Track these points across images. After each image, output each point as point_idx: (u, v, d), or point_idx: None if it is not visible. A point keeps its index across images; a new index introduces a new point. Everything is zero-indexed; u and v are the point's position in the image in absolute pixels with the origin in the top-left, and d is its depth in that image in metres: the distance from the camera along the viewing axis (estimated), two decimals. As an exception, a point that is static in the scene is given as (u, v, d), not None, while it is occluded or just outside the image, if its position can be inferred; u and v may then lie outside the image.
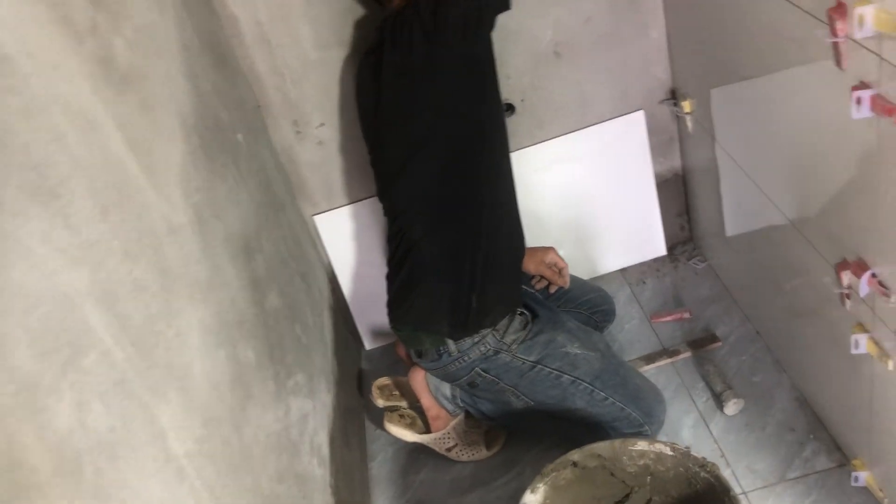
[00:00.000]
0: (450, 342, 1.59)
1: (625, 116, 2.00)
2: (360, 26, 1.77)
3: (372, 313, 2.14)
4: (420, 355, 1.65)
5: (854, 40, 1.07)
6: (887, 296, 1.19)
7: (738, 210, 1.89)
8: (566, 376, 1.60)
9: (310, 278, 1.84)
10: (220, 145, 1.42)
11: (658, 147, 2.08)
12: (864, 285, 1.23)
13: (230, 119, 1.54)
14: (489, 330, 1.60)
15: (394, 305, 1.68)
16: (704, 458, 1.23)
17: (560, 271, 1.83)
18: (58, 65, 0.89)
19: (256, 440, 1.17)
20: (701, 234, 2.20)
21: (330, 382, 1.74)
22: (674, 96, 2.00)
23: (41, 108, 0.82)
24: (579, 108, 1.98)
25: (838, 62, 1.13)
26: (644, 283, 2.16)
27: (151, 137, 1.10)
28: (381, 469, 1.86)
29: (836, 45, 1.12)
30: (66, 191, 0.81)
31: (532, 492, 1.25)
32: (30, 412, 0.65)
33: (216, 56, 1.58)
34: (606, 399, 1.59)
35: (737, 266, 2.02)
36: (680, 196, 2.19)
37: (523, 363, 1.60)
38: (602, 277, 2.20)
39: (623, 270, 2.21)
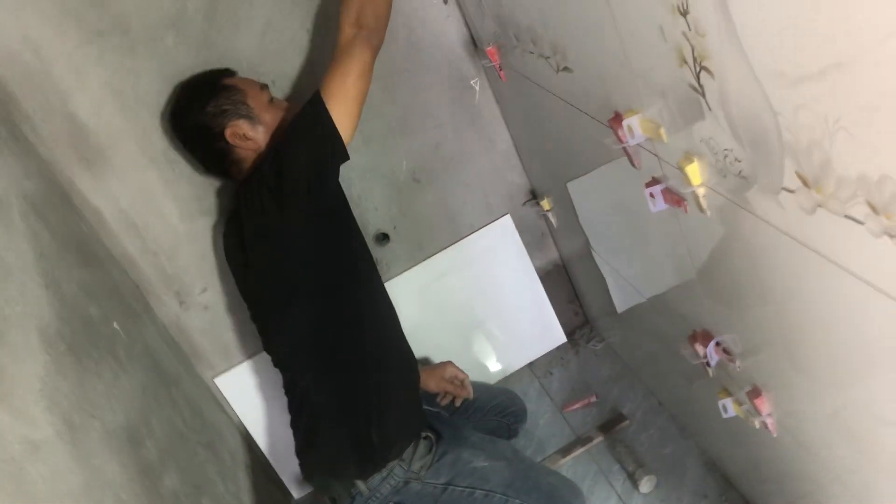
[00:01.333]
0: (360, 483, 1.61)
1: (494, 223, 2.10)
2: (221, 194, 1.84)
3: (295, 461, 2.12)
4: (334, 502, 1.66)
5: (635, 145, 1.18)
6: (733, 362, 1.27)
7: (618, 291, 1.98)
8: (478, 491, 1.62)
9: (217, 445, 1.84)
10: (91, 342, 1.45)
11: (533, 243, 2.18)
12: (712, 354, 1.31)
13: (103, 311, 1.57)
14: (396, 461, 1.62)
15: (301, 457, 1.70)
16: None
17: (462, 383, 1.87)
18: None
19: None
20: (594, 315, 2.28)
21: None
22: (534, 196, 2.12)
23: None
24: (450, 224, 2.07)
25: (632, 162, 1.24)
26: (551, 373, 2.22)
27: (1, 363, 1.12)
28: None
29: (625, 150, 1.23)
30: None
31: None
32: None
33: (82, 252, 1.62)
34: None
35: (631, 342, 2.10)
36: (566, 284, 2.28)
37: (434, 487, 1.62)
38: (512, 376, 2.25)
39: (530, 365, 2.27)
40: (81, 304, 1.49)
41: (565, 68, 1.34)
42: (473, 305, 2.17)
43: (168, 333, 1.91)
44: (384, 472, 1.61)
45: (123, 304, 1.72)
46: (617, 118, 1.19)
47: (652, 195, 1.18)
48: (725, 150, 0.93)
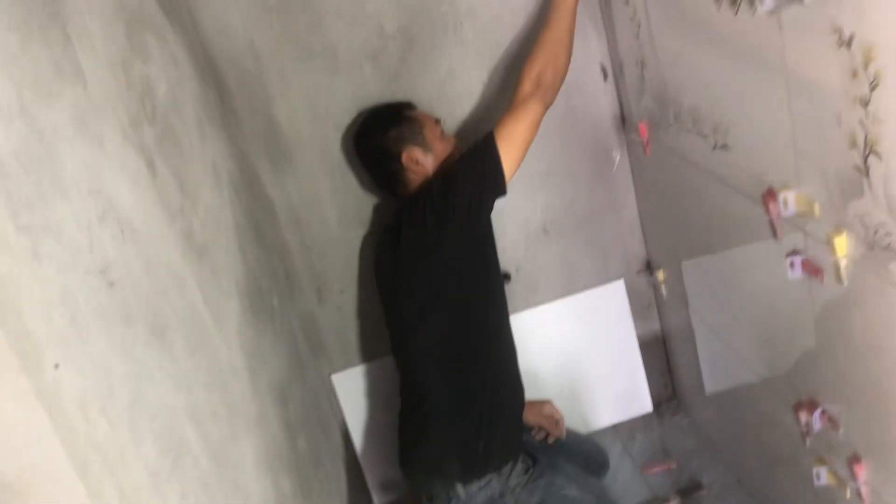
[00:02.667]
0: (459, 486, 1.76)
1: (606, 285, 2.27)
2: (377, 210, 2.07)
3: (381, 468, 2.29)
4: (430, 500, 1.80)
5: (783, 218, 1.36)
6: (836, 429, 1.40)
7: (714, 368, 2.11)
8: None
9: (328, 430, 2.01)
10: (262, 307, 1.66)
11: (638, 311, 2.33)
12: (816, 421, 1.44)
13: (268, 286, 1.79)
14: (494, 474, 1.76)
15: (406, 452, 1.86)
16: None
17: (557, 422, 2.02)
18: (162, 236, 1.15)
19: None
20: (683, 391, 2.40)
21: (347, 528, 1.87)
22: (649, 267, 2.28)
23: (155, 268, 1.06)
24: (567, 276, 2.25)
25: (775, 235, 1.41)
26: (634, 437, 2.34)
27: (218, 297, 1.34)
28: None
29: (771, 222, 1.40)
30: (170, 331, 1.04)
31: None
32: (155, 494, 0.84)
33: (257, 232, 1.85)
34: None
35: (717, 420, 2.21)
36: (662, 357, 2.42)
37: None
38: (595, 433, 2.38)
39: (615, 427, 2.40)
40: (256, 275, 1.71)
41: (723, 146, 1.53)
42: (573, 358, 2.32)
43: (302, 324, 2.12)
44: (482, 482, 1.76)
45: (278, 286, 1.93)
46: (771, 193, 1.36)
47: (792, 264, 1.34)
48: (878, 223, 1.10)
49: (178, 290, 1.13)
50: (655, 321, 2.37)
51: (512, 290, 2.22)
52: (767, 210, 1.38)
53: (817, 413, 1.44)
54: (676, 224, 1.99)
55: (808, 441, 1.53)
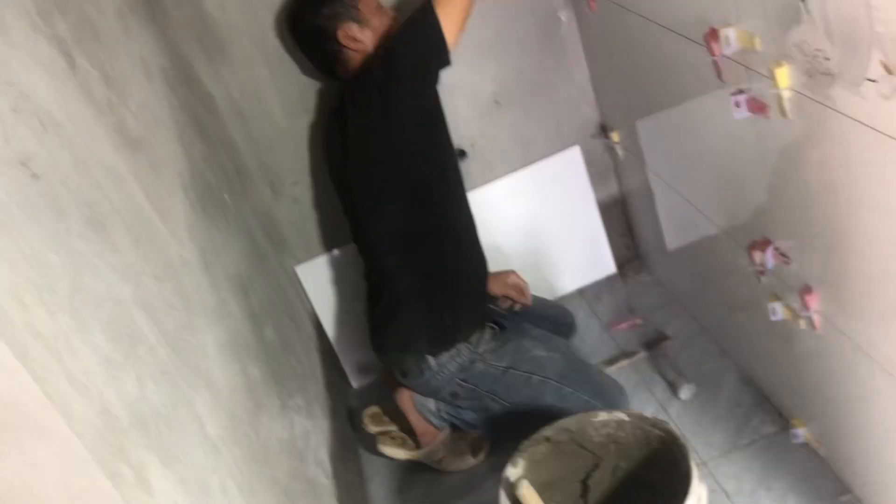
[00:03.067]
0: (430, 358, 1.79)
1: (562, 152, 2.26)
2: (322, 95, 2.02)
3: (355, 353, 2.32)
4: (404, 374, 1.84)
5: (726, 56, 1.34)
6: (788, 264, 1.43)
7: (674, 224, 2.14)
8: (535, 376, 1.80)
9: (298, 321, 2.03)
10: (211, 202, 1.63)
11: (596, 176, 2.33)
12: (769, 258, 1.47)
13: (216, 181, 1.75)
14: (463, 343, 1.80)
15: (376, 333, 1.88)
16: (655, 417, 1.43)
17: (522, 290, 2.05)
18: (90, 130, 1.11)
19: (270, 441, 1.35)
20: (645, 250, 2.44)
21: (325, 410, 1.91)
22: (603, 130, 2.27)
23: (84, 161, 1.03)
24: (522, 148, 2.23)
25: (720, 76, 1.39)
26: (599, 299, 2.39)
27: (160, 191, 1.31)
28: (379, 489, 2.02)
29: (715, 63, 1.38)
30: (109, 224, 1.02)
31: (512, 465, 1.44)
32: (110, 379, 0.84)
33: (199, 128, 1.80)
34: (573, 394, 1.79)
35: (678, 274, 2.26)
36: (622, 219, 2.44)
37: (496, 369, 1.80)
38: (561, 298, 2.42)
39: (580, 290, 2.44)
40: (202, 169, 1.68)
41: (665, -9, 1.49)
42: (534, 228, 2.33)
43: (260, 220, 2.09)
44: (453, 351, 1.79)
45: (229, 182, 1.90)
46: (713, 32, 1.34)
47: (737, 104, 1.33)
48: (816, 50, 1.09)
49: (114, 184, 1.10)
50: (614, 184, 2.38)
51: (468, 167, 2.20)
52: (711, 50, 1.36)
53: (769, 250, 1.46)
54: (627, 82, 1.96)
55: (763, 279, 1.57)
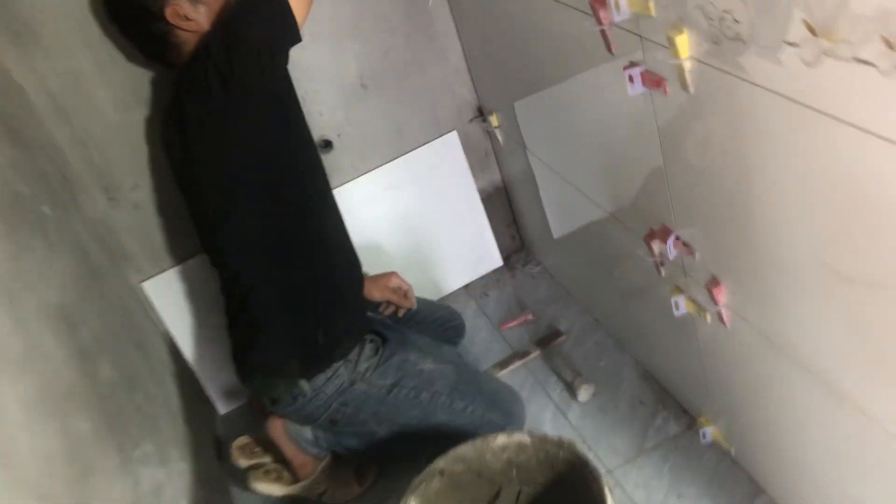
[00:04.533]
0: (303, 383, 1.57)
1: (439, 139, 2.07)
2: (158, 84, 1.74)
3: (221, 375, 2.06)
4: (274, 402, 1.61)
5: (616, 25, 1.18)
6: (692, 254, 1.29)
7: (560, 211, 2.00)
8: (424, 393, 1.61)
9: (146, 346, 1.75)
10: (23, 218, 1.34)
11: (476, 163, 2.16)
12: (671, 248, 1.33)
13: (32, 192, 1.46)
14: (341, 362, 1.59)
15: (238, 357, 1.64)
16: (560, 437, 1.28)
17: (405, 294, 1.85)
18: None
19: (103, 513, 1.10)
20: (531, 240, 2.30)
21: (183, 451, 1.66)
22: (481, 113, 2.10)
23: None
24: (395, 136, 2.03)
25: (608, 48, 1.23)
26: (487, 295, 2.22)
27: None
28: (254, 531, 1.79)
29: (603, 33, 1.22)
30: None
31: (404, 506, 1.25)
32: None
33: (8, 130, 1.50)
34: (466, 408, 1.62)
35: (567, 264, 2.12)
36: (505, 207, 2.28)
37: (380, 389, 1.60)
38: (448, 297, 2.25)
39: (466, 287, 2.27)
40: (10, 179, 1.39)
41: (542, -46, 1.32)
42: (413, 223, 2.14)
43: (95, 231, 1.80)
44: (329, 373, 1.58)
45: (51, 192, 1.60)
46: (600, -2, 1.18)
47: (631, 78, 1.17)
48: (724, 12, 0.94)
49: None
50: (495, 171, 2.22)
51: (334, 160, 1.98)
52: (598, 19, 1.20)
53: (671, 240, 1.33)
54: (505, 60, 1.79)
55: (664, 271, 1.44)
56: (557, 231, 2.07)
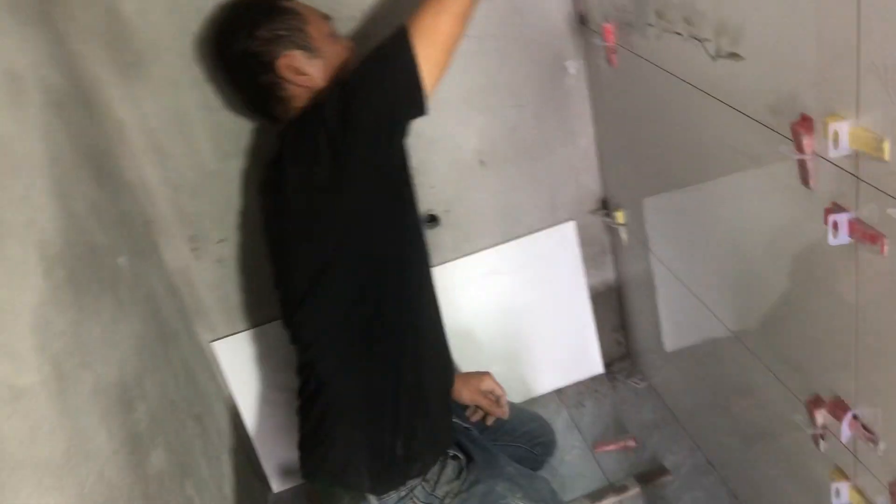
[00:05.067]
0: (372, 498, 1.36)
1: (554, 227, 1.87)
2: (265, 134, 1.59)
3: (280, 450, 1.88)
4: None
5: (823, 157, 0.96)
6: (874, 442, 1.04)
7: (678, 324, 1.76)
8: None
9: (206, 420, 1.58)
10: (94, 274, 1.19)
11: (590, 259, 1.95)
12: (845, 429, 1.08)
13: (110, 241, 1.32)
14: (418, 480, 1.38)
15: (305, 452, 1.45)
16: None
17: (498, 399, 1.63)
18: None
19: None
20: (638, 350, 2.06)
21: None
22: (605, 206, 1.89)
23: None
24: (507, 219, 1.84)
25: (805, 180, 1.01)
26: (583, 405, 1.99)
27: (-7, 276, 0.87)
28: None
29: (801, 163, 1.00)
30: None
31: None
32: None
33: (96, 168, 1.37)
34: None
35: (680, 385, 1.87)
36: (615, 310, 2.05)
37: None
38: (537, 400, 2.02)
39: (559, 392, 2.04)
40: (89, 228, 1.24)
41: (731, 54, 1.11)
42: (510, 313, 1.93)
43: (172, 282, 1.65)
44: (403, 491, 1.37)
45: (131, 239, 1.46)
46: (806, 122, 0.96)
47: (835, 225, 0.95)
48: None
49: None
50: (610, 270, 2.00)
51: (439, 236, 1.80)
52: (799, 146, 0.98)
53: (846, 420, 1.08)
54: (646, 154, 1.58)
55: (824, 446, 1.18)
56: (671, 344, 1.83)
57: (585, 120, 1.78)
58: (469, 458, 1.46)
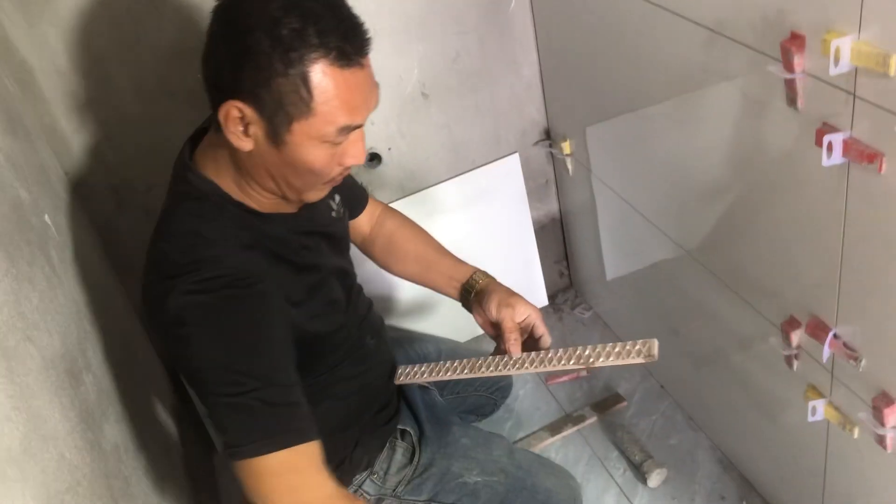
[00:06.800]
0: None
1: (499, 161, 1.81)
2: (192, 72, 1.45)
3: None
4: None
5: (814, 76, 0.93)
6: (856, 360, 1.06)
7: (624, 251, 1.76)
8: None
9: (147, 382, 1.48)
10: (22, 236, 1.06)
11: (534, 191, 1.91)
12: (826, 349, 1.09)
13: (32, 197, 1.17)
14: (365, 474, 1.31)
15: None
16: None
17: (540, 338, 1.25)
18: None
19: None
20: (582, 279, 2.05)
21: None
22: (548, 136, 1.84)
23: None
24: (451, 154, 1.77)
25: (792, 101, 0.98)
26: (530, 339, 1.97)
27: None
28: None
29: (789, 83, 0.97)
30: None
31: None
32: None
33: (7, 119, 1.21)
34: None
35: (625, 312, 1.89)
36: (558, 242, 2.03)
37: None
38: (484, 337, 1.98)
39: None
40: (9, 183, 1.10)
41: (708, -29, 1.06)
42: (457, 250, 1.87)
43: (101, 238, 1.51)
44: (350, 489, 1.30)
45: (53, 193, 1.32)
46: (796, 39, 0.93)
47: (829, 146, 0.93)
48: None
49: None
50: (553, 201, 1.97)
51: (381, 175, 1.71)
52: (788, 64, 0.95)
53: (827, 339, 1.09)
54: (595, 79, 1.54)
55: (797, 365, 1.20)
56: (613, 272, 1.83)
57: (529, 47, 1.72)
58: (421, 434, 1.38)
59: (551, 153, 1.86)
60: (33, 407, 0.87)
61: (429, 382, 1.36)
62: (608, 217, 1.73)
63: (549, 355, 1.17)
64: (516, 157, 1.82)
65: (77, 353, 1.10)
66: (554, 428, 1.71)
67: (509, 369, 1.20)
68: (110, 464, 1.07)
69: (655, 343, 1.07)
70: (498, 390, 1.68)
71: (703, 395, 1.63)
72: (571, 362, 1.14)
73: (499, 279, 1.93)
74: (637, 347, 1.08)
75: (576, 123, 1.70)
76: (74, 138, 1.44)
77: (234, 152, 1.02)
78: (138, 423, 1.29)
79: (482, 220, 1.86)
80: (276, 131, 0.96)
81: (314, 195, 1.10)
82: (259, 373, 0.98)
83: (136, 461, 1.19)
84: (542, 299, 2.04)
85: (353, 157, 1.04)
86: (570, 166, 1.79)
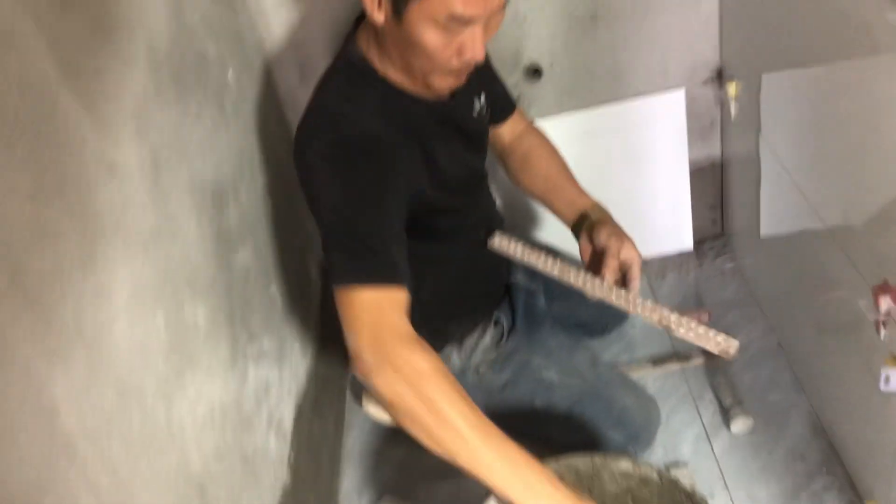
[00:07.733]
0: None
1: (663, 94, 1.82)
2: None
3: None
4: None
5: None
6: (930, 331, 1.02)
7: (776, 210, 1.71)
8: (538, 400, 1.43)
9: (302, 234, 1.71)
10: (200, 82, 1.28)
11: (696, 131, 1.90)
12: (903, 315, 1.06)
13: (220, 54, 1.40)
14: (454, 346, 1.45)
15: None
16: (694, 490, 1.08)
17: (630, 283, 1.30)
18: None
19: (193, 413, 1.05)
20: (733, 230, 2.02)
21: (307, 347, 1.62)
22: (719, 77, 1.81)
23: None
24: (613, 79, 1.81)
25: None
26: (664, 277, 2.00)
27: (98, 62, 0.96)
28: (356, 442, 1.75)
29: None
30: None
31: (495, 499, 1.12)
32: None
33: (213, -16, 1.44)
34: (585, 425, 1.42)
35: (767, 270, 1.84)
36: (715, 187, 2.01)
37: (491, 383, 1.45)
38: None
39: (645, 262, 2.04)
40: (200, 37, 1.32)
41: None
42: (605, 178, 1.92)
43: (278, 105, 1.74)
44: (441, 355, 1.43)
45: (242, 56, 1.54)
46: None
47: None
48: None
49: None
50: (716, 145, 1.94)
51: (539, 90, 1.80)
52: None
53: (908, 306, 1.06)
54: (773, 23, 1.49)
55: (884, 333, 1.17)
56: (767, 229, 1.79)
57: (712, -21, 1.69)
58: (513, 325, 1.50)
59: (720, 95, 1.83)
60: (170, 209, 1.09)
61: (517, 259, 1.39)
62: (768, 173, 1.68)
63: (637, 300, 1.23)
64: (682, 92, 1.82)
65: (228, 186, 1.32)
66: (657, 360, 1.75)
67: (595, 291, 1.27)
68: (236, 278, 1.29)
69: (735, 344, 1.12)
70: (612, 315, 1.74)
71: (814, 359, 1.59)
72: (655, 316, 1.19)
73: (644, 214, 1.98)
74: (719, 339, 1.13)
75: (750, 68, 1.66)
76: (273, 12, 1.66)
77: (377, 28, 1.17)
78: (278, 263, 1.52)
79: (635, 151, 1.89)
80: (398, 5, 1.08)
81: (438, 82, 1.21)
82: (368, 222, 1.14)
83: (261, 288, 1.42)
84: (687, 242, 2.03)
85: (471, 50, 1.14)
86: (733, 111, 1.76)
